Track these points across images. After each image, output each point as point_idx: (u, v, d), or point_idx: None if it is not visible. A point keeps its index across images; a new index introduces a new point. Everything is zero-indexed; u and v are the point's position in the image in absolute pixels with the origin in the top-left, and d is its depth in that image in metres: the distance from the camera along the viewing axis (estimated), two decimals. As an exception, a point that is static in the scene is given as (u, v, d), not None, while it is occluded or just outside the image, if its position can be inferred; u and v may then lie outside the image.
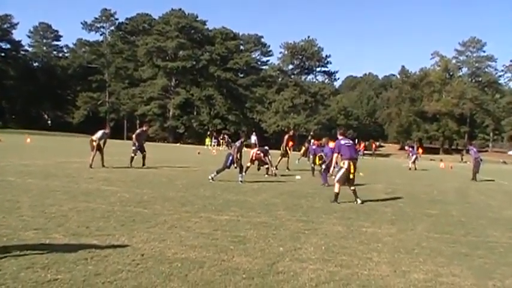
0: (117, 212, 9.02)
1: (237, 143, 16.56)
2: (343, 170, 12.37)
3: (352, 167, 12.36)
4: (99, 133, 18.95)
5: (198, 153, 39.16)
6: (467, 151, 27.48)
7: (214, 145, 58.56)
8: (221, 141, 60.56)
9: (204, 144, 62.54)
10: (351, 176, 12.43)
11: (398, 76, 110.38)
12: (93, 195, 11.04)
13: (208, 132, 66.78)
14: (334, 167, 13.37)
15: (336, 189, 12.39)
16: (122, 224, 7.96)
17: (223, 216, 9.29)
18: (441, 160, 50.94)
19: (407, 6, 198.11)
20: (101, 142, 18.83)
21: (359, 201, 12.41)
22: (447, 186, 20.40)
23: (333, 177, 13.26)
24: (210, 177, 15.89)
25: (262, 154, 19.39)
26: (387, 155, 77.31)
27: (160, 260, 5.97)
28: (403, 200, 13.97)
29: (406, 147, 43.33)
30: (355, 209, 11.39)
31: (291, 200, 12.47)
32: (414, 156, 33.26)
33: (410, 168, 31.75)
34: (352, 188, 12.61)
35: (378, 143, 70.29)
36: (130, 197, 11.20)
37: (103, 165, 18.37)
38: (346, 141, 12.75)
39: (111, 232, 7.31)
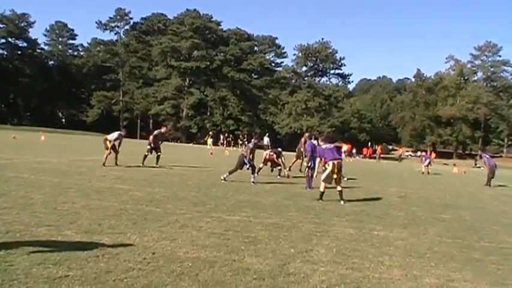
0: (129, 211, 9.05)
1: (250, 144, 16.57)
2: (328, 171, 12.83)
3: (335, 167, 12.72)
4: (115, 134, 19.05)
5: (211, 153, 39.22)
6: (480, 157, 27.23)
7: (211, 146, 58.61)
8: (224, 141, 60.86)
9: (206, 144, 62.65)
10: (335, 176, 12.79)
11: (412, 79, 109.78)
12: (105, 193, 11.09)
13: (210, 133, 66.99)
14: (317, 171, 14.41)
15: (321, 189, 12.84)
16: (133, 223, 7.98)
17: (235, 217, 9.29)
18: (454, 165, 50.52)
19: (422, 10, 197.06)
20: (116, 143, 18.93)
21: (342, 202, 12.58)
22: (460, 191, 20.25)
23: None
24: (222, 178, 15.91)
25: (275, 155, 19.37)
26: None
27: (171, 259, 5.97)
28: (416, 204, 13.89)
29: (419, 153, 43.00)
30: (367, 212, 11.34)
31: (303, 201, 12.44)
32: (428, 161, 33.06)
33: (423, 173, 31.55)
34: (339, 188, 12.87)
35: (375, 146, 69.88)
36: (142, 195, 11.24)
37: (116, 164, 18.46)
38: (327, 145, 13.37)
39: (123, 230, 7.34)
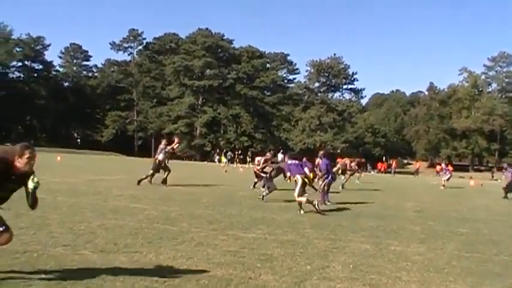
0: (144, 229, 9.06)
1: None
2: (298, 186, 13.25)
3: (303, 180, 13.26)
4: (161, 152, 19.75)
5: (225, 171, 39.26)
6: (502, 169, 26.77)
7: (225, 163, 58.88)
8: (230, 158, 61.22)
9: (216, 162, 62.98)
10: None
11: (426, 93, 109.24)
12: (121, 213, 11.13)
13: (218, 151, 67.45)
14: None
15: (304, 201, 13.16)
16: (149, 241, 7.99)
17: (250, 234, 9.26)
18: (471, 178, 50.07)
19: (434, 23, 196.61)
20: (165, 159, 19.52)
21: (302, 212, 13.00)
22: (477, 204, 20.03)
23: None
24: (260, 196, 15.98)
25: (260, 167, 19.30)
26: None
27: (188, 277, 5.95)
28: (433, 218, 13.76)
29: (438, 167, 42.09)
30: (383, 227, 11.25)
31: (318, 218, 12.38)
32: (449, 175, 32.46)
33: (444, 186, 30.89)
34: (301, 199, 13.18)
35: (390, 161, 69.58)
36: (157, 214, 11.25)
37: (150, 182, 18.92)
38: (293, 161, 13.93)
39: (139, 249, 7.34)
